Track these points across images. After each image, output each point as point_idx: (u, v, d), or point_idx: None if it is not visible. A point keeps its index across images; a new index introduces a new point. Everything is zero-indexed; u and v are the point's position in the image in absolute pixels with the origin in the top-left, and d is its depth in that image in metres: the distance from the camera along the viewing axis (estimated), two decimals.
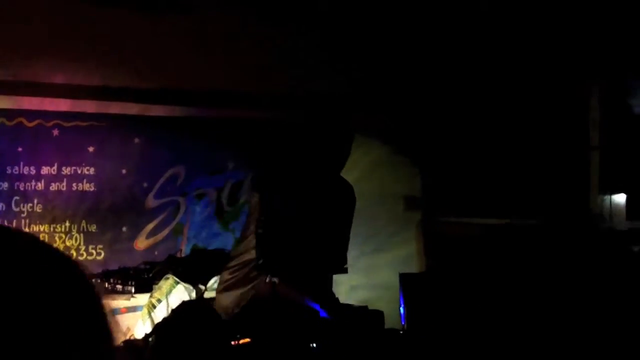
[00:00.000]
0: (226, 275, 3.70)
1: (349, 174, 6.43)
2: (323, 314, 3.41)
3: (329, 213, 3.62)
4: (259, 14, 5.26)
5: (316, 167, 3.59)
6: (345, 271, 3.83)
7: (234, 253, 3.86)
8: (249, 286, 3.53)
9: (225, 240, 5.66)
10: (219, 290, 3.78)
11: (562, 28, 5.10)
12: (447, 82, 5.88)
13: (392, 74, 5.91)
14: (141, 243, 5.48)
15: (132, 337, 4.22)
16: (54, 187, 5.21)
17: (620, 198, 5.04)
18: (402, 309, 4.33)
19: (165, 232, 5.58)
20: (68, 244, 5.22)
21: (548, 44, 5.22)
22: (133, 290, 4.83)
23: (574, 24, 5.04)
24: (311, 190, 3.56)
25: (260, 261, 3.44)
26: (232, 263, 3.69)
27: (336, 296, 3.89)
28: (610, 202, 5.03)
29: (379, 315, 3.78)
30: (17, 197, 5.12)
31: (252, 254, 3.54)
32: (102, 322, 0.70)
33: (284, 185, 3.55)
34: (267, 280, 3.42)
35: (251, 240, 3.54)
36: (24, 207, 5.12)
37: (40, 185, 5.18)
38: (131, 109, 5.37)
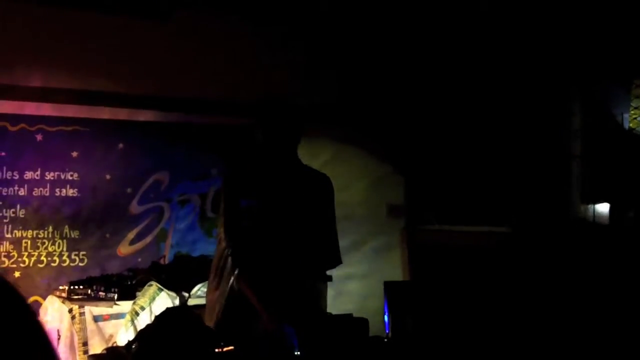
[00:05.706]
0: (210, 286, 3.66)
1: (333, 182, 6.46)
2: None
3: (301, 205, 3.55)
4: (243, 22, 5.27)
5: (268, 154, 3.51)
6: (337, 263, 3.71)
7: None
8: (223, 287, 3.47)
9: (209, 248, 5.60)
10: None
11: (542, 38, 5.14)
12: (430, 92, 5.91)
13: (375, 84, 5.93)
14: (124, 249, 5.45)
15: (114, 345, 4.19)
16: (37, 192, 5.16)
17: (603, 207, 5.08)
18: (386, 317, 4.34)
19: (149, 238, 5.55)
20: (51, 249, 5.17)
21: (529, 54, 5.26)
22: (116, 297, 4.77)
23: (554, 33, 5.08)
24: (276, 183, 3.51)
25: (229, 252, 3.39)
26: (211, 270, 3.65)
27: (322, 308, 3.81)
28: (594, 211, 5.06)
29: (363, 323, 3.77)
30: None
31: (220, 257, 3.50)
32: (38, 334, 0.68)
33: (247, 180, 3.51)
34: (234, 274, 3.38)
35: (220, 242, 3.50)
36: (6, 212, 5.07)
37: (23, 191, 5.12)
38: (115, 114, 5.35)
